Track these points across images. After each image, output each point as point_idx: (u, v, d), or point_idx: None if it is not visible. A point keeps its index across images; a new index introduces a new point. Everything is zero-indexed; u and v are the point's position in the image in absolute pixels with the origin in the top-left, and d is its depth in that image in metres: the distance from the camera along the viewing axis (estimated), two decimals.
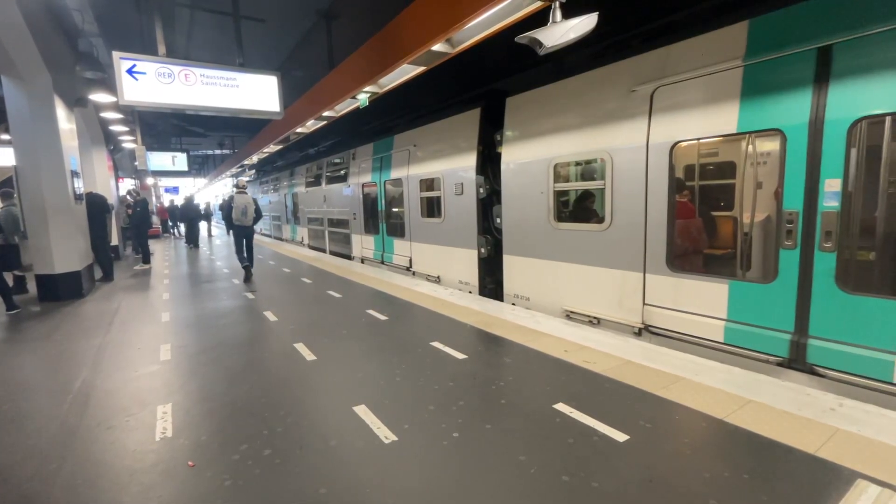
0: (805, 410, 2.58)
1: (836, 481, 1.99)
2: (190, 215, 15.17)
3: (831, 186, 3.06)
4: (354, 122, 9.55)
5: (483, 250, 6.31)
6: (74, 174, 6.95)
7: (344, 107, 7.01)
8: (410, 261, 8.02)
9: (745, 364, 3.52)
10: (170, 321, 5.19)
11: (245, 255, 8.01)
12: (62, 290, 6.52)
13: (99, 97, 7.35)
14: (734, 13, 3.58)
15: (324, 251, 12.32)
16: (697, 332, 3.87)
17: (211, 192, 34.35)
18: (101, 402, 3.10)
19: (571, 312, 4.97)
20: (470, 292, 6.49)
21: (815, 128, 3.11)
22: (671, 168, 3.92)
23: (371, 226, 9.55)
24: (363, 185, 9.60)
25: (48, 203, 6.30)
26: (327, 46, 7.63)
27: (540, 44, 3.20)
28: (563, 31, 3.12)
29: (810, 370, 3.25)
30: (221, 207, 8.58)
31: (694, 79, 3.76)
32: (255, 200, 8.25)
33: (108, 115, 9.17)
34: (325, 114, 7.30)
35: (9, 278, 6.30)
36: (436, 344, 3.99)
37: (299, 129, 8.68)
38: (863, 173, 2.97)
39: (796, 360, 3.32)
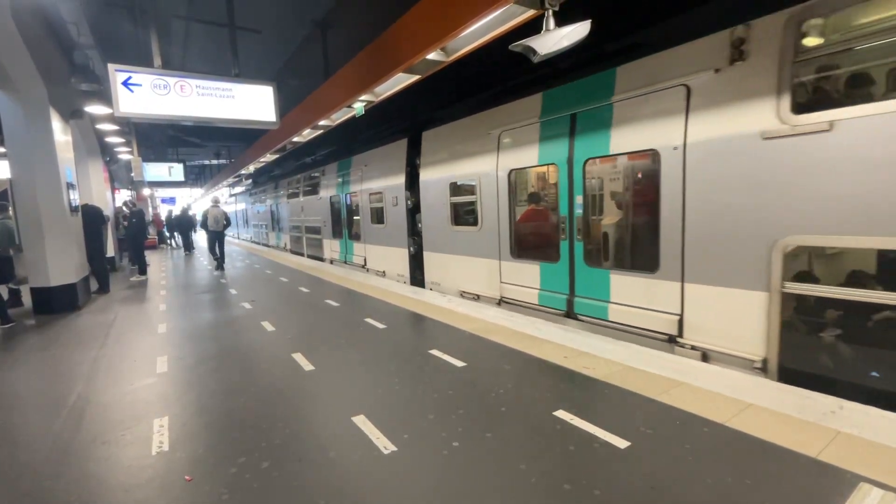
0: (805, 413, 2.58)
1: (839, 485, 1.98)
2: (185, 226, 15.67)
3: (578, 200, 4.71)
4: (352, 132, 9.66)
5: (412, 249, 7.94)
6: (70, 186, 6.94)
7: (340, 115, 7.03)
8: (365, 260, 9.76)
9: (550, 318, 5.05)
10: (167, 332, 5.15)
11: (217, 251, 10.59)
12: (58, 303, 6.47)
13: (95, 109, 7.35)
14: (539, 85, 5.20)
15: (302, 255, 13.92)
16: (525, 298, 5.48)
17: (208, 201, 34.55)
18: (97, 416, 3.06)
19: (464, 292, 6.61)
20: (405, 282, 8.03)
21: (571, 163, 4.74)
22: (510, 187, 5.58)
23: (337, 232, 11.38)
24: (331, 198, 11.41)
25: (44, 215, 6.27)
26: (323, 56, 7.67)
27: (534, 51, 3.23)
28: (557, 39, 3.15)
29: (576, 317, 4.87)
30: (203, 217, 11.37)
31: (518, 128, 5.37)
32: (224, 213, 11.00)
33: (104, 126, 9.17)
34: (321, 123, 7.32)
35: (3, 291, 6.26)
36: (434, 352, 3.97)
37: (295, 139, 8.70)
38: (590, 191, 4.79)
39: (570, 313, 4.94)
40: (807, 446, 2.27)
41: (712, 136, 3.55)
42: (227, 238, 11.45)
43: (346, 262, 10.76)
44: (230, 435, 2.70)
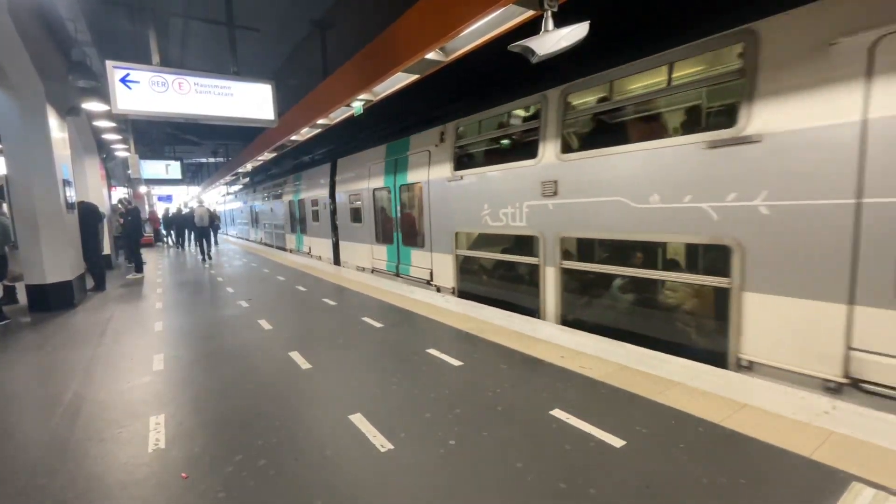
0: (799, 414, 2.60)
1: (832, 484, 2.00)
2: (185, 224, 16.02)
3: (398, 208, 7.82)
4: (351, 130, 9.71)
5: (334, 239, 11.13)
6: (67, 183, 6.90)
7: (338, 114, 7.03)
8: (310, 248, 13.06)
9: (389, 278, 8.16)
10: (163, 331, 5.14)
11: (203, 245, 12.76)
12: (53, 301, 6.44)
13: (92, 106, 7.31)
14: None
15: (272, 246, 17.38)
16: (382, 267, 8.53)
17: (195, 202, 35.02)
18: (93, 413, 3.05)
19: (358, 266, 9.67)
20: (331, 263, 11.25)
21: (395, 187, 7.83)
22: (374, 199, 8.67)
23: (293, 228, 14.65)
24: (289, 202, 14.72)
25: (39, 213, 6.23)
26: (321, 55, 7.67)
27: (532, 52, 3.24)
28: (555, 40, 3.15)
29: (399, 276, 7.91)
30: (191, 215, 13.83)
31: (377, 163, 8.45)
32: (209, 210, 13.52)
33: (101, 123, 9.13)
34: (320, 121, 7.32)
35: None
36: (431, 351, 3.98)
37: (293, 137, 8.70)
38: (403, 204, 7.76)
39: (398, 274, 7.95)
40: (800, 446, 2.29)
41: (436, 178, 6.64)
42: (222, 237, 12.60)
43: (298, 251, 14.08)
44: (227, 433, 2.70)
